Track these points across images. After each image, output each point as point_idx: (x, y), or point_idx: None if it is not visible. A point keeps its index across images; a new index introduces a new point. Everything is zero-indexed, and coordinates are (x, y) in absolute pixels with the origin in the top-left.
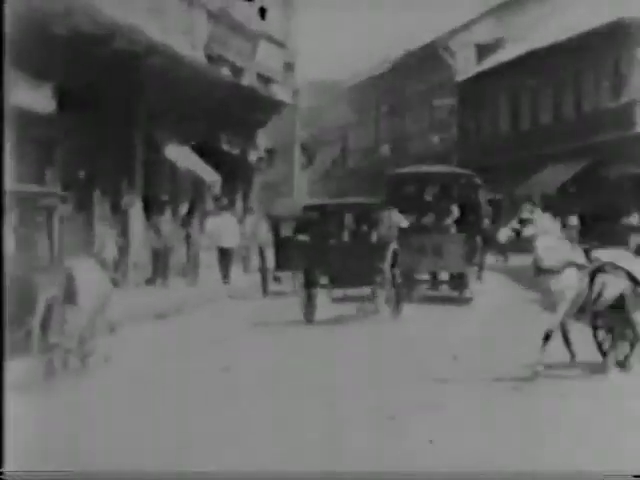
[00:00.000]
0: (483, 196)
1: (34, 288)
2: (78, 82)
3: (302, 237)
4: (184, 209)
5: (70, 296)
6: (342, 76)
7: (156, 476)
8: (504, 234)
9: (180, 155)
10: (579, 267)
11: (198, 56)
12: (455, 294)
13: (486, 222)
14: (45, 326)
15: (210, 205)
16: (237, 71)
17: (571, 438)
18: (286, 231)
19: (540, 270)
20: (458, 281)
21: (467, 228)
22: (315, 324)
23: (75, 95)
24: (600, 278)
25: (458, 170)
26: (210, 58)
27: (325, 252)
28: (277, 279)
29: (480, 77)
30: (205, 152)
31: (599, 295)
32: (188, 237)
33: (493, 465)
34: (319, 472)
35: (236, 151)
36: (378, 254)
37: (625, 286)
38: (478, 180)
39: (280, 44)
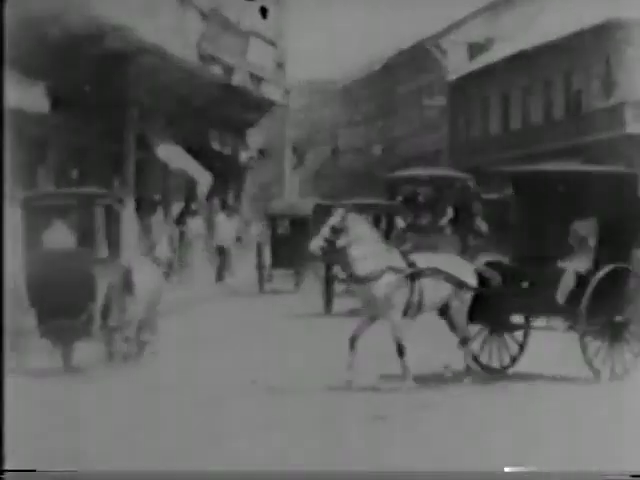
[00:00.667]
0: (477, 197)
1: (94, 278)
2: (71, 82)
3: None
4: (177, 208)
5: (127, 287)
6: (333, 76)
7: (156, 476)
8: (316, 245)
9: (172, 155)
10: (398, 272)
11: (190, 55)
12: None
13: (481, 222)
14: (105, 313)
15: (202, 204)
16: (228, 70)
17: None
18: (282, 229)
19: (357, 279)
20: None
21: (461, 228)
22: (334, 315)
23: (68, 95)
24: (419, 283)
25: (452, 173)
26: (202, 57)
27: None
28: (270, 278)
29: (471, 76)
30: (196, 152)
31: (420, 300)
32: (181, 236)
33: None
34: (319, 472)
35: (227, 151)
36: None
37: (448, 291)
38: (471, 182)
39: (272, 43)
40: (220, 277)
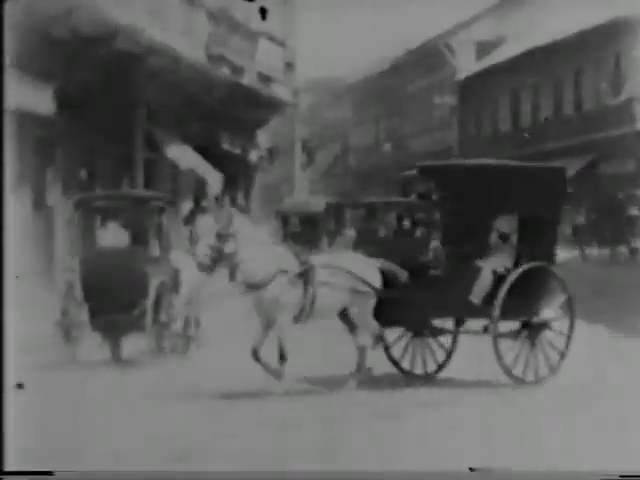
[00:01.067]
0: None
1: (147, 276)
2: (79, 82)
3: (350, 232)
4: (187, 208)
5: (175, 285)
6: (342, 75)
7: (156, 476)
8: (201, 252)
9: (181, 155)
10: (291, 273)
11: (198, 56)
12: None
13: None
14: (156, 309)
15: (211, 204)
16: (237, 70)
17: None
18: (293, 227)
19: (250, 286)
20: None
21: None
22: None
23: (76, 95)
24: (312, 285)
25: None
26: (210, 58)
27: (373, 246)
28: None
29: (480, 75)
30: (206, 152)
31: (313, 303)
32: (191, 236)
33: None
34: (319, 472)
35: (237, 150)
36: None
37: (346, 293)
38: None
39: (280, 43)
40: (232, 276)
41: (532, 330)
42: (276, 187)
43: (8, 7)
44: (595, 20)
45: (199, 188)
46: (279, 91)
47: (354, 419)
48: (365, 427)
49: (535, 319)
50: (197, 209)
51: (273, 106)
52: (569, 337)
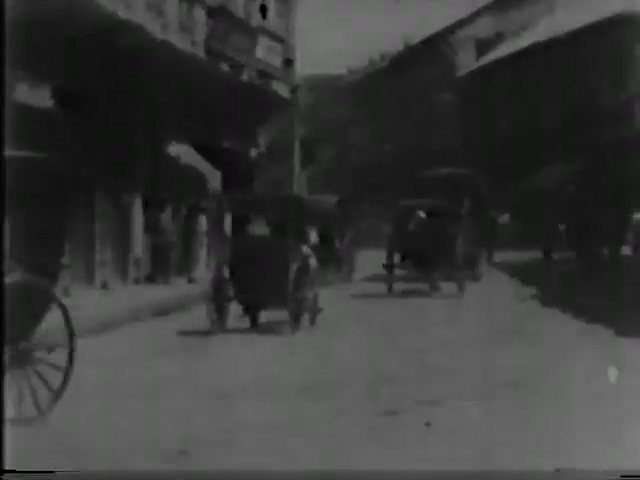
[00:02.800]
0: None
1: (288, 262)
2: (79, 80)
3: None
4: (187, 206)
5: (306, 269)
6: (342, 72)
7: (156, 476)
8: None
9: (182, 152)
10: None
11: (198, 53)
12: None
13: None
14: (295, 287)
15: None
16: (237, 67)
17: None
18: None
19: None
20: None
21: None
22: (395, 294)
23: (76, 93)
24: None
25: (463, 171)
26: (210, 54)
27: (405, 239)
28: None
29: (480, 72)
30: (206, 149)
31: None
32: (192, 234)
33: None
34: (319, 472)
35: (237, 148)
36: (450, 241)
37: None
38: (476, 178)
39: (280, 40)
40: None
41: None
42: (276, 184)
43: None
44: (595, 18)
45: (199, 186)
46: (279, 88)
47: None
48: None
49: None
50: (197, 207)
51: (273, 103)
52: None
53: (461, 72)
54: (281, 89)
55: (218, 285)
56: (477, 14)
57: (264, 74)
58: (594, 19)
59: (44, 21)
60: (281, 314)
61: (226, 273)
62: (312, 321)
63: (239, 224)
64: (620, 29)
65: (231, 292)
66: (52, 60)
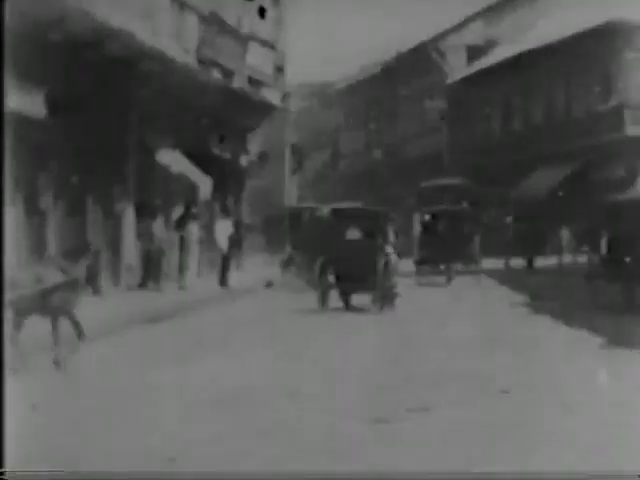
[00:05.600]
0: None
1: (376, 259)
2: (71, 87)
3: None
4: (178, 213)
5: (387, 264)
6: (333, 79)
7: (156, 476)
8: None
9: (172, 160)
10: None
11: (189, 60)
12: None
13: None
14: (382, 277)
15: (202, 209)
16: (228, 74)
17: None
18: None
19: None
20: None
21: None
22: (425, 285)
23: (68, 100)
24: None
25: (459, 181)
26: (201, 61)
27: (431, 240)
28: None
29: (471, 79)
30: (196, 156)
31: None
32: (182, 241)
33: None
34: (319, 472)
35: (227, 155)
36: (468, 242)
37: None
38: (472, 187)
39: (271, 47)
40: (223, 282)
41: None
42: (266, 192)
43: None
44: (585, 25)
45: (189, 193)
46: (269, 95)
47: None
48: None
49: None
50: (188, 214)
51: (263, 110)
52: None
53: (451, 79)
54: (272, 96)
55: (323, 276)
56: (468, 21)
57: (255, 81)
58: (584, 27)
59: (36, 28)
60: (364, 299)
61: (329, 267)
62: (391, 303)
63: (340, 231)
64: (609, 37)
65: (332, 281)
66: (43, 68)
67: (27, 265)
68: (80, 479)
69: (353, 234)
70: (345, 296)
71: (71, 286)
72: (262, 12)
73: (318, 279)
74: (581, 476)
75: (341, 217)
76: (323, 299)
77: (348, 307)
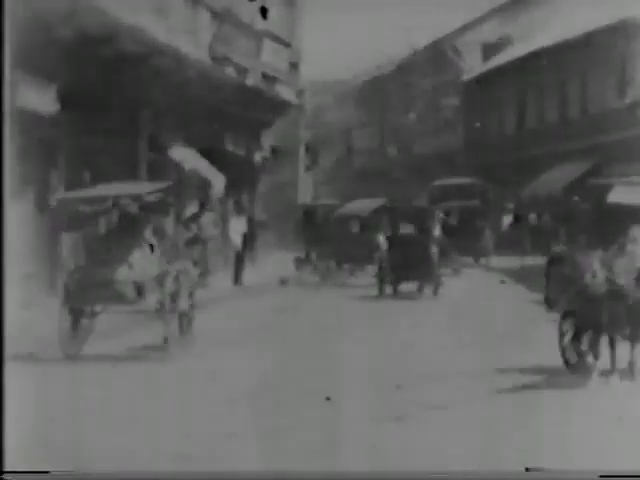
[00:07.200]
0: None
1: (430, 252)
2: (82, 83)
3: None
4: (192, 210)
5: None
6: (347, 76)
7: (156, 476)
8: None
9: (185, 156)
10: None
11: (202, 56)
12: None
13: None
14: (435, 267)
15: (215, 206)
16: (242, 71)
17: None
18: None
19: None
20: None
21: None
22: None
23: (79, 96)
24: None
25: (471, 180)
26: (214, 58)
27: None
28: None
29: (486, 76)
30: (210, 153)
31: None
32: (196, 238)
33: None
34: (319, 472)
35: (241, 152)
36: (478, 236)
37: None
38: (483, 186)
39: (285, 44)
40: (237, 280)
41: None
42: (280, 189)
43: (10, 5)
44: (601, 22)
45: (203, 190)
46: (284, 92)
47: None
48: None
49: None
50: (201, 211)
51: (278, 107)
52: None
53: (467, 76)
54: (286, 93)
55: (380, 267)
56: (483, 18)
57: (269, 78)
58: (599, 24)
59: (47, 24)
60: (410, 287)
61: (385, 260)
62: (436, 291)
63: (394, 227)
64: (624, 34)
65: (388, 272)
66: (55, 64)
67: None
68: (80, 479)
69: (406, 229)
70: (396, 285)
71: None
72: (264, 12)
73: (378, 271)
74: (581, 476)
75: (395, 215)
76: (381, 287)
77: (396, 294)
